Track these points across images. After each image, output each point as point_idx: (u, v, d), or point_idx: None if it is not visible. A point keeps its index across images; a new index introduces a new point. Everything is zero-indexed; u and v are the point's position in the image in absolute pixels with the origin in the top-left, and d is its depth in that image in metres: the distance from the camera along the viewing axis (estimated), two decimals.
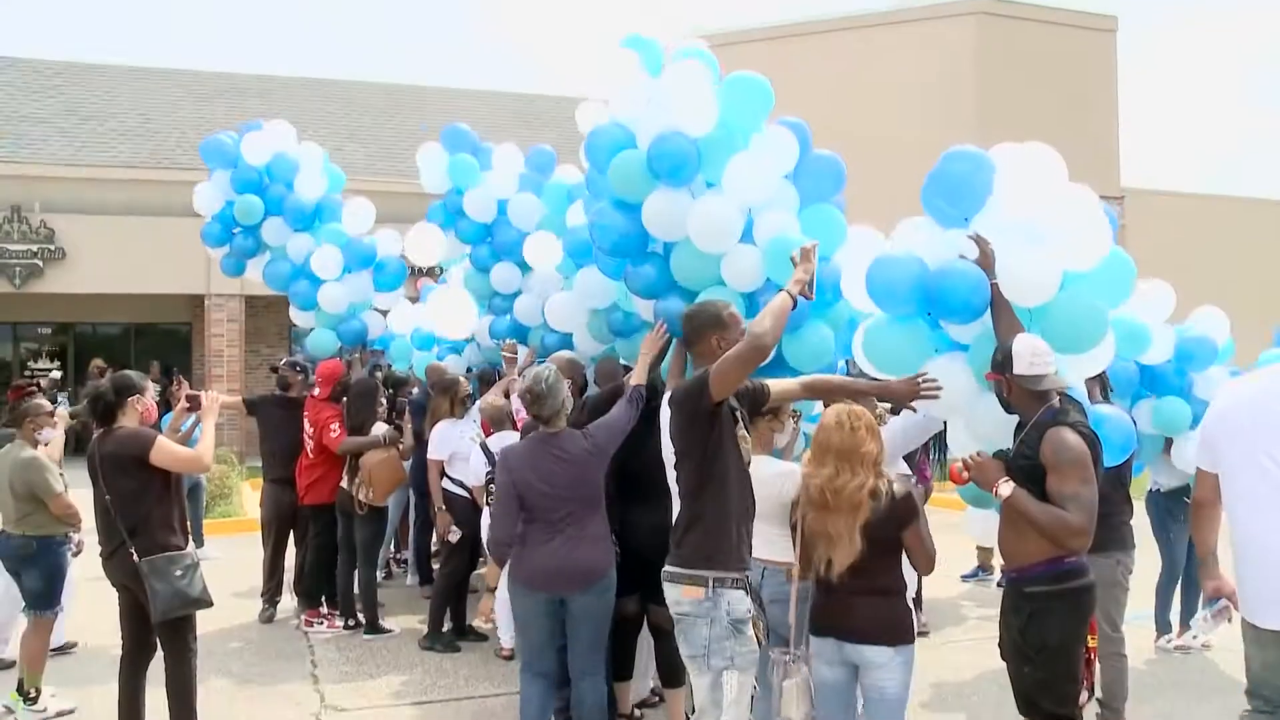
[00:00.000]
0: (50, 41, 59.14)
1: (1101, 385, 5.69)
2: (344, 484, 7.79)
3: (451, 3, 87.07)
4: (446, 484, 7.51)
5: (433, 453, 7.56)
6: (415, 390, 9.19)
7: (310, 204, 9.04)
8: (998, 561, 9.86)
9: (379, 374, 9.28)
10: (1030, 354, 3.94)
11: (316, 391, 8.13)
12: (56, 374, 14.78)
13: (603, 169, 5.51)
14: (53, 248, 19.06)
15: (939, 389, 4.37)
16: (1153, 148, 60.75)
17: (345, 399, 8.09)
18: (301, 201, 8.96)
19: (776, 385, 4.34)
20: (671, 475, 4.14)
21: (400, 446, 7.84)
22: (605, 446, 4.81)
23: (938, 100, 21.62)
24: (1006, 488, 3.83)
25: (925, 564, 4.12)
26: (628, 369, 6.02)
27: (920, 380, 4.38)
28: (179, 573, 4.98)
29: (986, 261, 4.34)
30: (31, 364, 21.41)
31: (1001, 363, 4.01)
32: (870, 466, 3.96)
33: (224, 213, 9.09)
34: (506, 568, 4.80)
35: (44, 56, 24.32)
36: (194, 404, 5.80)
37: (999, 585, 9.45)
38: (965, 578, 9.94)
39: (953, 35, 22.07)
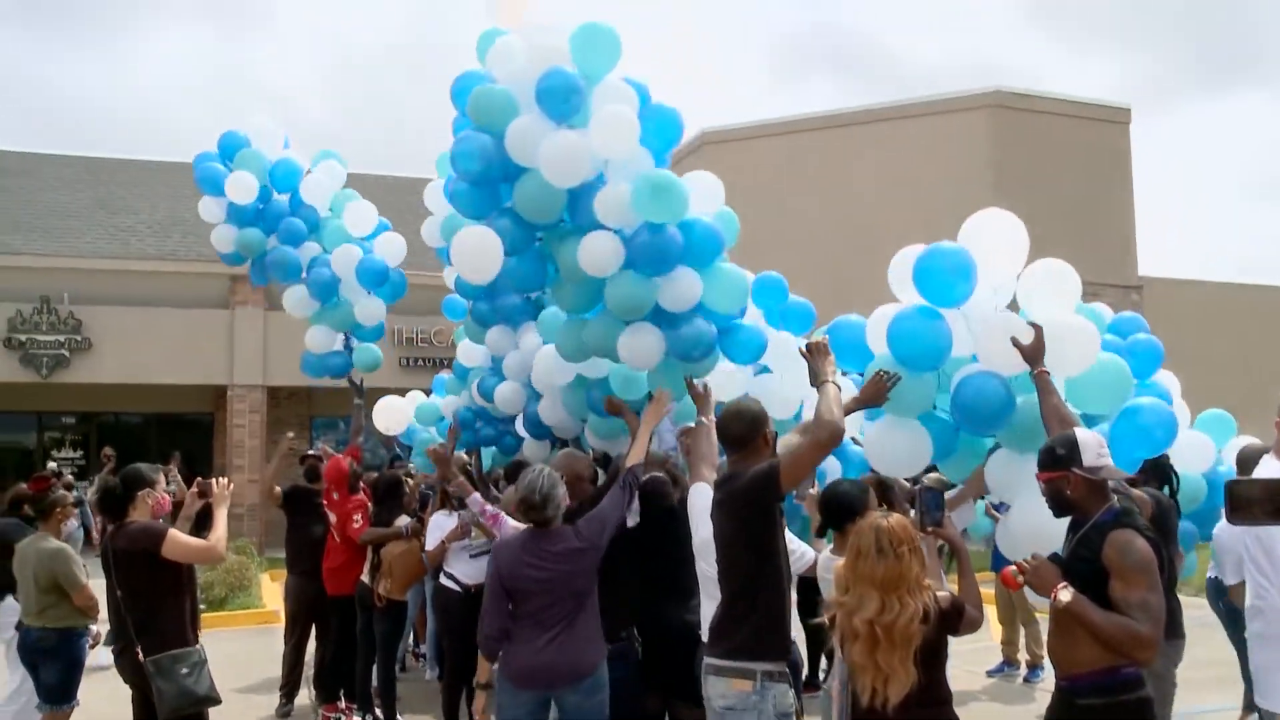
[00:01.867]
0: (82, 138, 60.47)
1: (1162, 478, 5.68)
2: (364, 577, 7.76)
3: None
4: (442, 579, 7.39)
5: (428, 544, 7.42)
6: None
7: (317, 209, 9.24)
8: (1023, 656, 9.73)
9: (402, 466, 9.29)
10: (1096, 445, 3.74)
11: (336, 494, 8.07)
12: (69, 476, 14.85)
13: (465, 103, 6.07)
14: (79, 338, 19.30)
15: (896, 378, 4.63)
16: (1169, 235, 60.98)
17: (371, 490, 8.10)
18: (305, 212, 9.17)
19: (787, 460, 4.10)
20: (706, 565, 4.12)
21: (421, 539, 7.82)
22: (597, 541, 4.71)
23: (953, 193, 21.78)
24: (1066, 594, 3.56)
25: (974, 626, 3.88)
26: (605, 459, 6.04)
27: (882, 377, 4.64)
28: (185, 671, 4.95)
29: (1037, 346, 4.39)
30: (55, 453, 21.53)
31: (1064, 457, 3.75)
32: (919, 590, 3.59)
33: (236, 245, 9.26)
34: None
35: (75, 152, 24.86)
36: (205, 492, 5.57)
37: (1025, 681, 9.34)
38: (991, 673, 9.78)
39: (966, 127, 22.32)
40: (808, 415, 5.54)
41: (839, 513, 4.47)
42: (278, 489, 8.75)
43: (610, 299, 5.81)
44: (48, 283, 19.48)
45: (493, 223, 6.00)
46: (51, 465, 18.78)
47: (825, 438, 3.87)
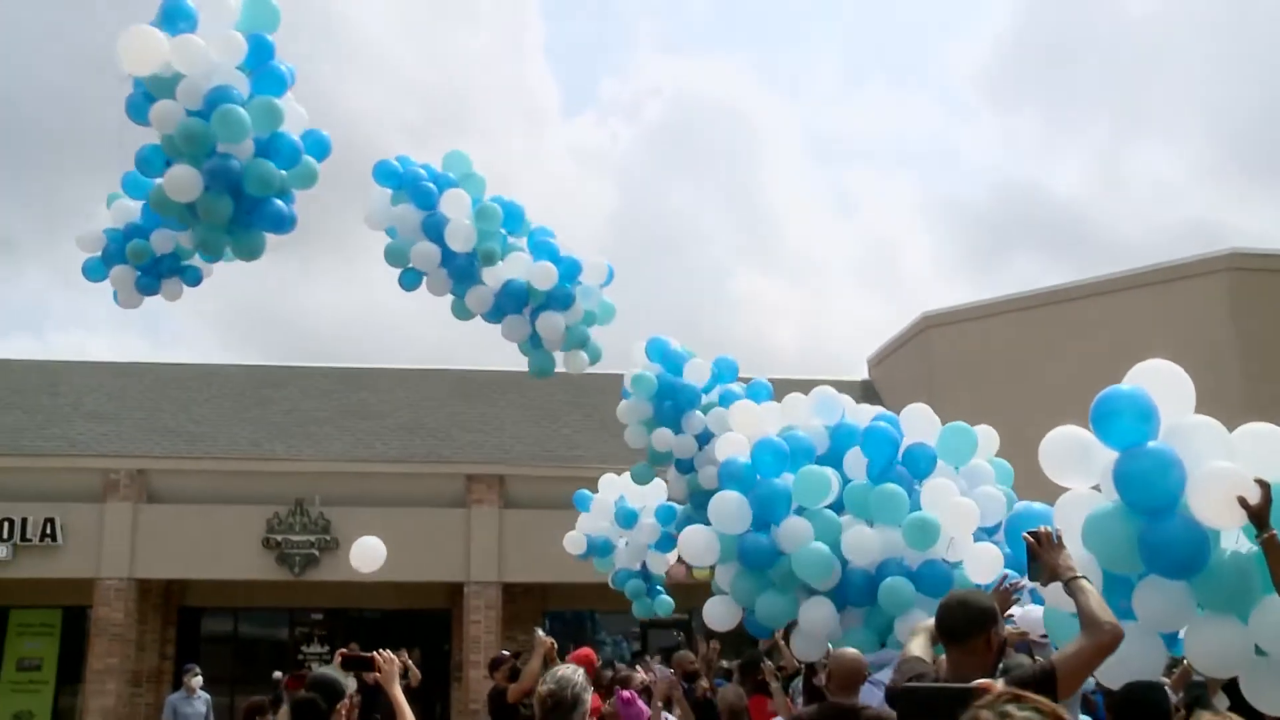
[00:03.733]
0: (332, 350, 65.13)
1: None
2: None
3: None
4: None
5: None
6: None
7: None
8: None
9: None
10: None
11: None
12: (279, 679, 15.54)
13: None
14: (328, 538, 20.39)
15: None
16: None
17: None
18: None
19: (1067, 666, 3.65)
20: None
21: None
22: None
23: (1197, 359, 20.71)
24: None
25: None
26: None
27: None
28: None
29: (1264, 506, 4.14)
30: (305, 648, 22.56)
31: None
32: None
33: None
34: None
35: (327, 364, 26.81)
36: (367, 665, 4.83)
37: None
38: None
39: (1205, 292, 21.39)
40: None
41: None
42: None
43: None
44: (301, 486, 20.80)
45: None
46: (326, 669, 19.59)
47: (1108, 641, 3.57)
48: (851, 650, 5.89)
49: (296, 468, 21.20)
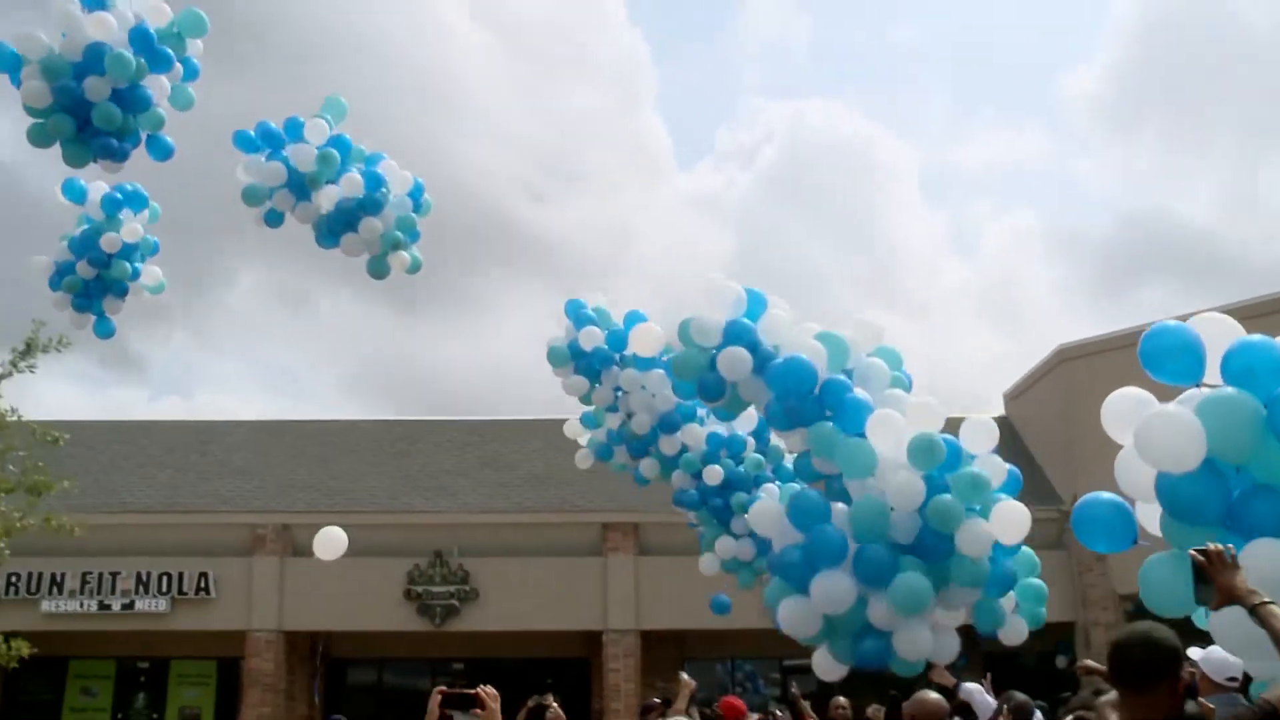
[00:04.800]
0: (465, 403, 66.39)
1: None
2: None
3: None
4: None
5: None
6: None
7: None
8: None
9: None
10: None
11: None
12: None
13: None
14: (468, 588, 20.64)
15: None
16: None
17: None
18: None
19: None
20: None
21: None
22: None
23: None
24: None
25: None
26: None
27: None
28: None
29: None
30: None
31: None
32: None
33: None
34: None
35: (464, 417, 27.26)
36: (470, 702, 4.18)
37: None
38: None
39: None
40: None
41: None
42: None
43: None
44: (440, 538, 21.12)
45: None
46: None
47: None
48: (934, 695, 5.83)
49: (435, 520, 21.55)
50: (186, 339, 55.05)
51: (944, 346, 54.87)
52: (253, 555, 21.11)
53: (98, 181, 8.50)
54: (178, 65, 7.42)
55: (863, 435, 6.66)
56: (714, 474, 9.26)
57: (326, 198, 8.45)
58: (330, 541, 9.21)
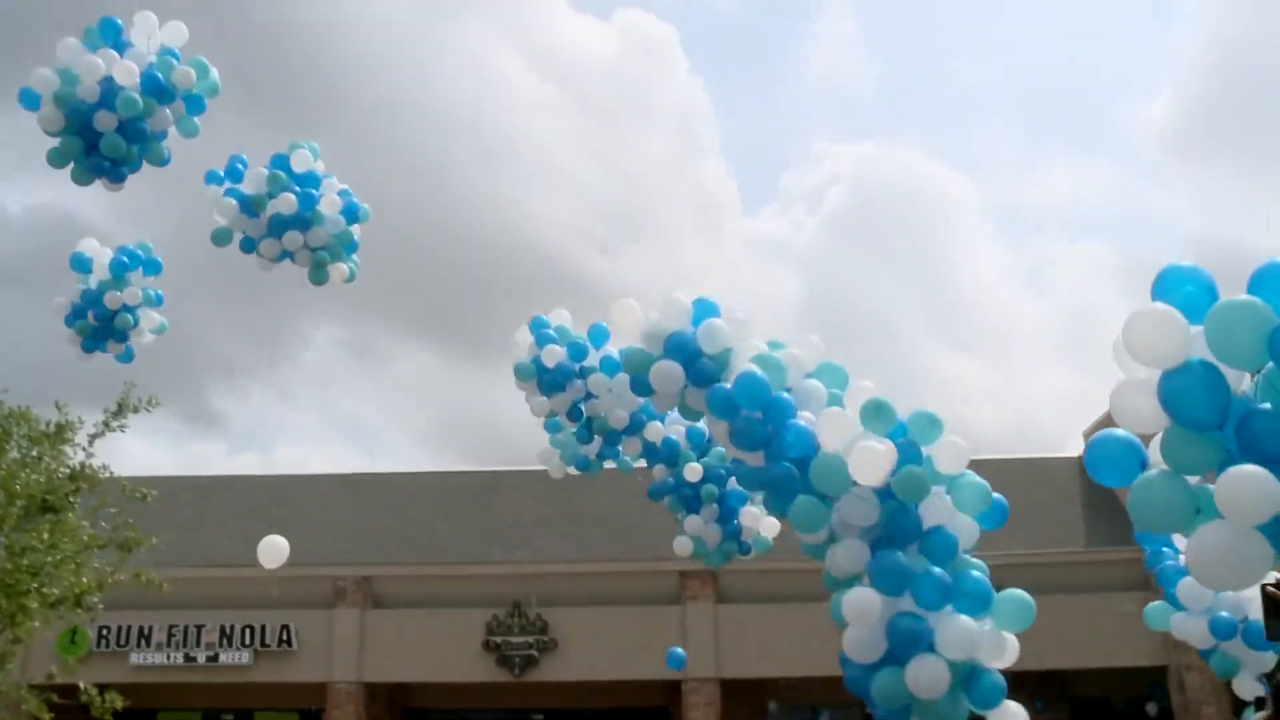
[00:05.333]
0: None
1: None
2: None
3: None
4: None
5: None
6: None
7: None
8: None
9: None
10: None
11: None
12: None
13: None
14: (546, 639, 20.60)
15: None
16: None
17: None
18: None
19: None
20: None
21: None
22: None
23: None
24: None
25: None
26: None
27: None
28: None
29: None
30: None
31: None
32: None
33: None
34: None
35: (540, 468, 27.25)
36: None
37: None
38: None
39: None
40: None
41: None
42: None
43: None
44: (519, 588, 21.13)
45: None
46: None
47: None
48: None
49: (513, 570, 21.58)
50: (264, 395, 56.03)
51: (1020, 385, 54.13)
52: (334, 608, 21.29)
53: (105, 248, 9.52)
54: (180, 103, 8.10)
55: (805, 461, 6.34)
56: (694, 471, 9.28)
57: (268, 214, 9.16)
58: (271, 549, 9.25)
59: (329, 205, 9.27)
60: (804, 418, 6.47)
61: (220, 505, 24.79)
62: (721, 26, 71.67)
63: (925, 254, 60.47)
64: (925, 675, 5.60)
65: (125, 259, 9.45)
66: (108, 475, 11.86)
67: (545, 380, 9.48)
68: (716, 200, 61.90)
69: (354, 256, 9.64)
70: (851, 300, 57.98)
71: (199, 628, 20.80)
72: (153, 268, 9.64)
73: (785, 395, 6.55)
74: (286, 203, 9.02)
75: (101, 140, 7.68)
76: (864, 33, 71.53)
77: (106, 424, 11.73)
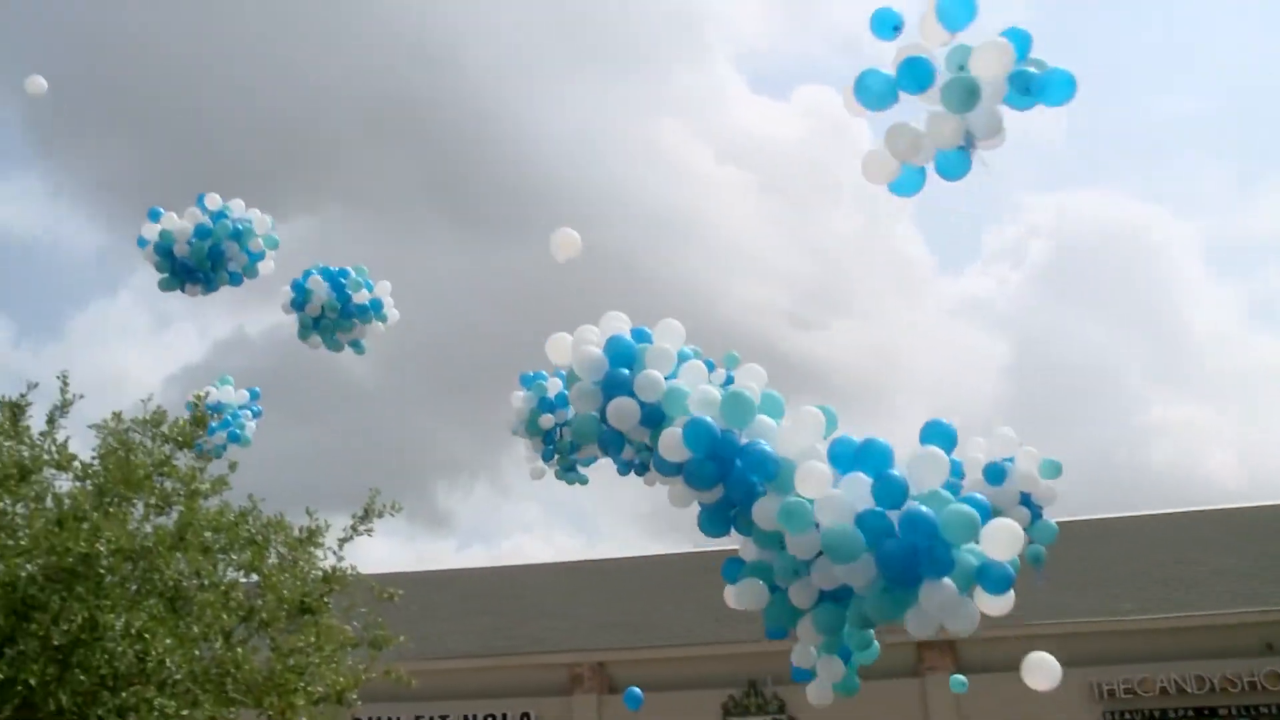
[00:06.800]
0: None
1: None
2: None
3: None
4: None
5: None
6: None
7: None
8: None
9: None
10: None
11: None
12: None
13: None
14: (784, 717, 20.31)
15: None
16: None
17: None
18: None
19: None
20: None
21: None
22: None
23: None
24: None
25: None
26: None
27: None
28: None
29: None
30: None
31: None
32: None
33: None
34: None
35: None
36: None
37: None
38: None
39: None
40: None
41: None
42: None
43: None
44: (754, 666, 20.92)
45: None
46: None
47: None
48: None
49: (747, 649, 21.36)
50: (484, 488, 57.71)
51: (1254, 428, 50.72)
52: (571, 694, 21.55)
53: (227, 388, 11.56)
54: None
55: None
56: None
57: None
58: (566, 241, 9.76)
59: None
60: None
61: (454, 598, 25.58)
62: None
63: (1139, 299, 57.72)
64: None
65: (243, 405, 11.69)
66: (355, 576, 12.41)
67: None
68: (913, 265, 60.84)
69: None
70: (1064, 352, 55.71)
71: (443, 718, 21.39)
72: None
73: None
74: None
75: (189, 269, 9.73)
76: None
77: (354, 528, 12.30)
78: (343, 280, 10.33)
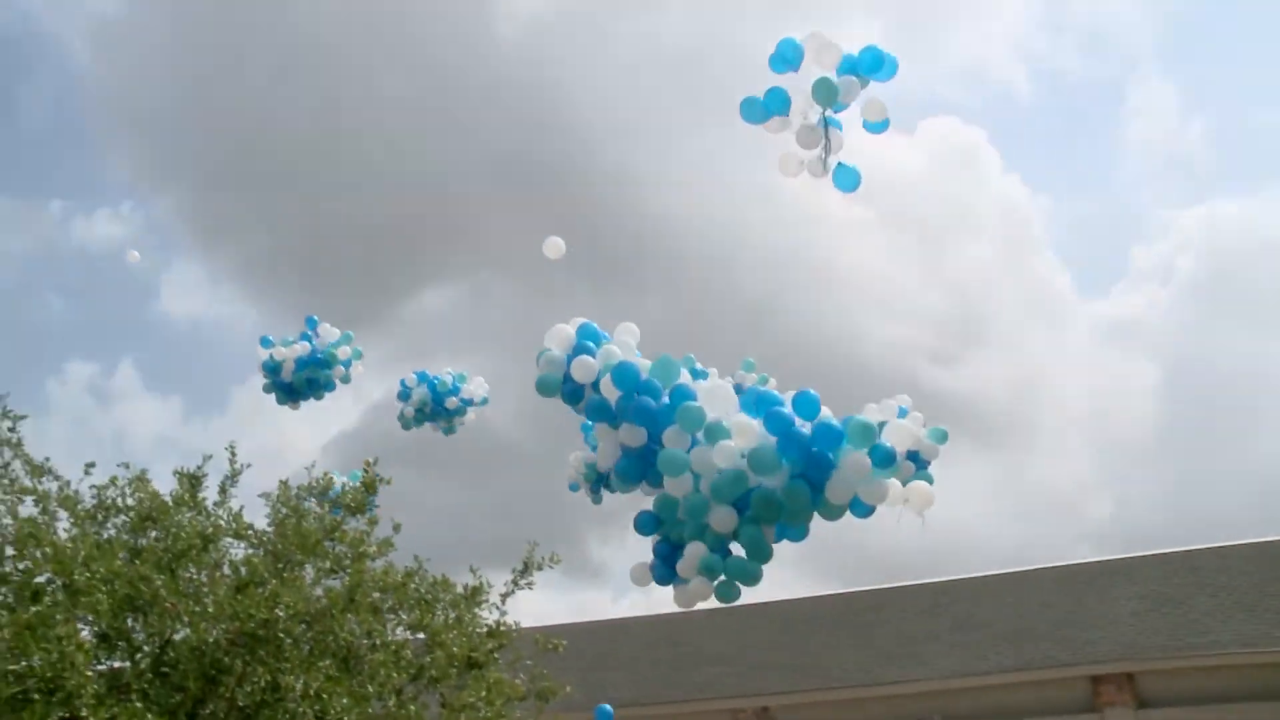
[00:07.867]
0: (926, 568, 64.97)
1: None
2: None
3: None
4: None
5: None
6: None
7: None
8: None
9: None
10: None
11: None
12: None
13: None
14: None
15: None
16: None
17: None
18: None
19: None
20: None
21: None
22: None
23: None
24: None
25: None
26: None
27: None
28: None
29: None
30: None
31: None
32: None
33: None
34: None
35: (925, 580, 26.56)
36: None
37: None
38: None
39: None
40: None
41: None
42: None
43: None
44: (920, 707, 20.53)
45: None
46: None
47: None
48: None
49: (912, 689, 20.98)
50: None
51: None
52: None
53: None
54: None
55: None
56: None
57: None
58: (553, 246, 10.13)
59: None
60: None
61: (616, 648, 25.69)
62: (1027, 118, 69.45)
63: None
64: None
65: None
66: (518, 629, 12.61)
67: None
68: (1054, 291, 59.09)
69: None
70: (1220, 368, 53.10)
71: None
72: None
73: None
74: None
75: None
76: (1176, 91, 67.11)
77: (515, 583, 12.51)
78: (436, 383, 13.40)
